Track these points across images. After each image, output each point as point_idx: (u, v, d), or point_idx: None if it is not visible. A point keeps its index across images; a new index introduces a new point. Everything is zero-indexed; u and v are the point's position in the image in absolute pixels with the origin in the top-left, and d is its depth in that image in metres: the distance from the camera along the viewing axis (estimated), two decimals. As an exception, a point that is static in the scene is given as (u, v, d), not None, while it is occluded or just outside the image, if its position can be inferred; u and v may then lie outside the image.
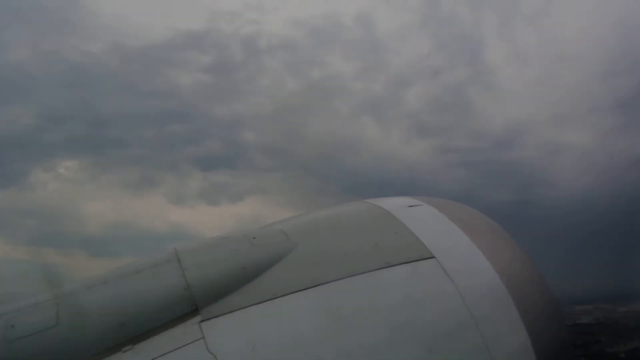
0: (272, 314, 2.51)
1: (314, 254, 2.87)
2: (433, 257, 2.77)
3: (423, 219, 3.13)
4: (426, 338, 2.47)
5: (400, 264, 2.73)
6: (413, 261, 2.75)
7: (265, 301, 2.55)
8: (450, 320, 2.54)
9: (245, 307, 2.53)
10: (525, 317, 2.62)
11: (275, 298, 2.56)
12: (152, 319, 2.50)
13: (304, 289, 2.60)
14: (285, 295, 2.57)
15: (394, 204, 3.34)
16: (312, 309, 2.54)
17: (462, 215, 3.23)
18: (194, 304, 2.56)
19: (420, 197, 3.45)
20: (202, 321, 2.48)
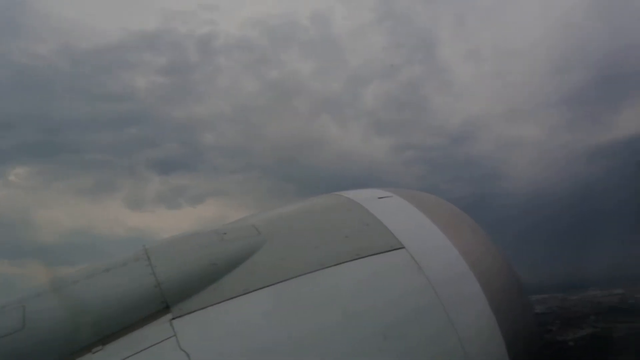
0: (245, 309, 2.49)
1: (286, 248, 2.87)
2: (403, 247, 2.81)
3: (393, 210, 3.17)
4: (397, 326, 2.50)
5: (371, 255, 2.76)
6: (383, 252, 2.78)
7: (238, 297, 2.53)
8: (420, 308, 2.59)
9: (217, 304, 2.50)
10: (493, 303, 2.69)
11: (248, 293, 2.54)
12: (123, 318, 2.45)
13: (276, 283, 2.59)
14: (258, 290, 2.56)
15: (363, 195, 3.38)
16: (284, 303, 2.54)
17: (431, 206, 3.29)
18: (164, 301, 2.51)
19: (390, 189, 3.49)
20: (173, 319, 2.44)
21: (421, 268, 2.69)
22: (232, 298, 2.53)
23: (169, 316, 2.46)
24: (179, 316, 2.45)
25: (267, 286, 2.58)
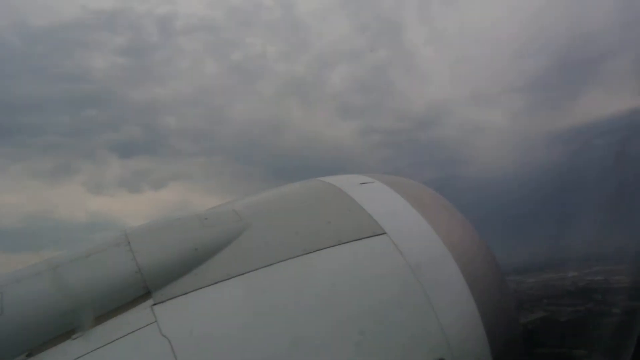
0: (226, 295, 2.50)
1: (267, 234, 2.87)
2: (385, 233, 2.84)
3: (375, 196, 3.19)
4: (377, 312, 2.54)
5: (353, 240, 2.79)
6: (365, 238, 2.81)
7: (219, 282, 2.53)
8: (402, 294, 2.63)
9: (198, 289, 2.50)
10: (473, 288, 2.74)
11: (230, 279, 2.55)
12: (103, 304, 2.44)
13: (258, 269, 2.59)
14: (239, 275, 2.56)
15: (346, 181, 3.39)
16: (266, 288, 2.55)
17: (413, 192, 3.32)
18: (145, 287, 2.50)
19: (372, 175, 3.51)
20: (154, 304, 2.44)
21: (402, 253, 2.73)
22: (213, 284, 2.53)
23: (150, 302, 2.45)
24: (160, 302, 2.44)
25: (249, 272, 2.58)
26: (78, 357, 2.23)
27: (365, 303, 2.57)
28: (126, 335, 2.29)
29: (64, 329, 2.33)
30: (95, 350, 2.25)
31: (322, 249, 2.72)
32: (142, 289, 2.49)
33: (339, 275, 2.66)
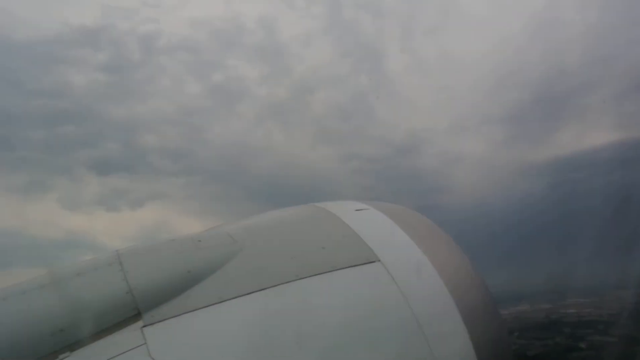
0: (218, 319, 2.47)
1: (261, 257, 2.86)
2: (379, 260, 2.83)
3: (369, 223, 3.21)
4: (369, 341, 2.52)
5: (347, 267, 2.78)
6: (359, 264, 2.81)
7: (211, 305, 2.50)
8: (394, 323, 2.61)
9: (189, 312, 2.47)
10: (467, 320, 2.73)
11: (222, 302, 2.52)
12: (92, 324, 2.40)
13: (251, 293, 2.57)
14: (232, 299, 2.54)
15: (341, 207, 3.40)
16: (259, 312, 2.52)
17: (408, 220, 3.33)
18: (136, 308, 2.47)
19: (368, 201, 3.53)
20: (144, 326, 2.40)
21: (396, 282, 2.73)
22: (205, 307, 2.49)
23: (140, 323, 2.41)
24: (151, 324, 2.41)
25: (242, 295, 2.56)
26: None
27: (358, 331, 2.55)
28: (115, 356, 2.24)
29: (53, 348, 2.28)
30: None
31: (315, 275, 2.71)
32: (132, 310, 2.45)
33: (332, 302, 2.64)
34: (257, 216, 3.62)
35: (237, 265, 2.77)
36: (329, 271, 2.75)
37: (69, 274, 2.61)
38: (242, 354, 2.35)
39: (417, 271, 2.88)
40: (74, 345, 2.30)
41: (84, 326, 2.36)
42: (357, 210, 3.37)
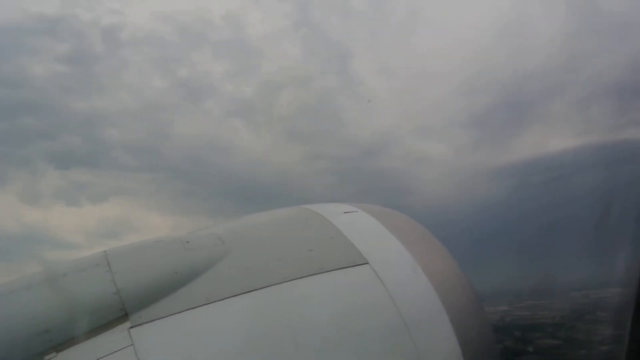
0: (205, 320, 2.46)
1: (249, 259, 2.85)
2: (367, 263, 2.84)
3: (358, 226, 3.21)
4: (357, 343, 2.53)
5: (335, 269, 2.78)
6: (347, 267, 2.81)
7: (199, 307, 2.49)
8: (382, 326, 2.62)
9: (177, 313, 2.46)
10: (455, 323, 2.75)
11: (209, 303, 2.51)
12: (79, 325, 2.37)
13: (238, 295, 2.57)
14: (219, 300, 2.53)
15: (329, 210, 3.41)
16: (246, 314, 2.52)
17: (396, 223, 3.34)
18: (123, 309, 2.44)
19: (356, 204, 3.53)
20: (131, 327, 2.38)
21: (384, 284, 2.73)
22: (193, 308, 2.48)
23: (127, 324, 2.39)
24: (138, 325, 2.39)
25: (229, 297, 2.55)
26: None
27: (345, 333, 2.55)
28: (102, 357, 2.22)
29: (38, 349, 2.25)
30: None
31: (303, 277, 2.71)
32: (119, 311, 2.43)
33: (319, 304, 2.65)
34: (246, 217, 3.60)
35: (225, 266, 2.76)
36: (317, 273, 2.75)
37: (55, 274, 2.59)
38: (230, 356, 2.35)
39: (405, 274, 2.90)
40: (60, 346, 2.27)
41: (71, 327, 2.33)
42: (345, 212, 3.37)
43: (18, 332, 2.29)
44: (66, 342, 2.29)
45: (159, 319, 2.41)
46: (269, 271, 2.74)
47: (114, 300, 2.44)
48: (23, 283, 2.53)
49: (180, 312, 2.45)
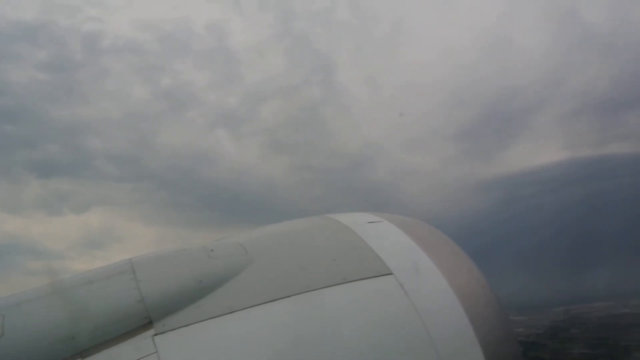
0: (229, 329, 2.46)
1: (272, 268, 2.85)
2: (391, 273, 2.80)
3: (382, 236, 3.16)
4: (380, 355, 2.48)
5: (358, 279, 2.75)
6: (371, 277, 2.77)
7: (222, 315, 2.50)
8: (406, 337, 2.57)
9: (201, 321, 2.47)
10: (479, 335, 2.67)
11: (232, 312, 2.51)
12: (104, 332, 2.40)
13: (261, 304, 2.56)
14: (242, 309, 2.53)
15: (353, 219, 3.38)
16: (269, 324, 2.51)
17: (421, 233, 3.29)
18: (147, 316, 2.47)
19: (380, 214, 3.49)
20: (155, 335, 2.40)
21: (408, 295, 2.68)
22: (216, 317, 2.49)
23: (151, 332, 2.42)
24: (162, 332, 2.41)
25: (253, 306, 2.55)
26: None
27: (368, 344, 2.51)
28: None
29: (63, 355, 2.29)
30: None
31: (327, 287, 2.69)
32: (144, 319, 2.46)
33: (343, 315, 2.61)
34: (269, 227, 3.62)
35: (248, 275, 2.77)
36: (341, 283, 2.72)
37: (81, 282, 2.64)
38: None
39: (430, 285, 2.83)
40: (85, 352, 2.32)
41: (95, 334, 2.37)
42: (369, 222, 3.33)
43: (43, 338, 2.34)
44: (91, 349, 2.33)
45: (182, 327, 2.43)
46: (292, 280, 2.72)
47: (139, 308, 2.48)
48: (49, 290, 2.60)
49: (203, 320, 2.46)
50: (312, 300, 2.62)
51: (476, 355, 2.64)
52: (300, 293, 2.63)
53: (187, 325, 2.44)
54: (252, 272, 2.80)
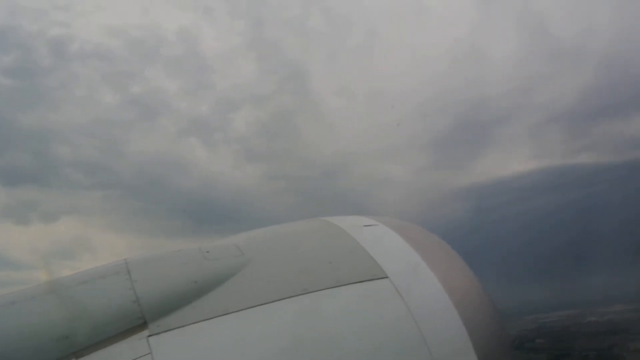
0: (224, 330, 2.46)
1: (268, 271, 2.85)
2: (386, 277, 2.81)
3: (378, 239, 3.18)
4: (375, 357, 2.49)
5: (354, 282, 2.76)
6: (366, 280, 2.78)
7: (217, 317, 2.50)
8: (401, 340, 2.58)
9: (196, 323, 2.46)
10: (473, 338, 2.70)
11: (227, 314, 2.51)
12: (98, 332, 2.39)
13: (257, 306, 2.57)
14: (238, 311, 2.53)
15: (349, 222, 3.39)
16: (264, 326, 2.51)
17: (417, 237, 3.30)
18: (142, 317, 2.46)
19: (376, 217, 3.51)
20: (150, 335, 2.39)
21: (403, 299, 2.70)
22: (211, 318, 2.49)
23: (146, 332, 2.41)
24: (156, 333, 2.40)
25: (248, 308, 2.55)
26: None
27: (363, 347, 2.52)
28: None
29: (57, 355, 2.28)
30: None
31: (322, 290, 2.69)
32: (138, 319, 2.45)
33: (338, 317, 2.63)
34: (265, 229, 3.62)
35: (244, 277, 2.77)
36: (337, 286, 2.73)
37: (75, 281, 2.63)
38: None
39: (425, 288, 2.84)
40: (79, 352, 2.30)
41: (90, 334, 2.36)
42: (365, 225, 3.35)
43: (37, 338, 2.32)
44: (85, 349, 2.32)
45: (177, 328, 2.42)
46: (288, 283, 2.73)
47: (133, 308, 2.47)
48: (44, 289, 2.58)
49: (198, 321, 2.46)
50: (307, 303, 2.62)
51: (470, 357, 2.65)
52: (296, 295, 2.64)
53: (182, 327, 2.43)
54: (247, 273, 2.80)
